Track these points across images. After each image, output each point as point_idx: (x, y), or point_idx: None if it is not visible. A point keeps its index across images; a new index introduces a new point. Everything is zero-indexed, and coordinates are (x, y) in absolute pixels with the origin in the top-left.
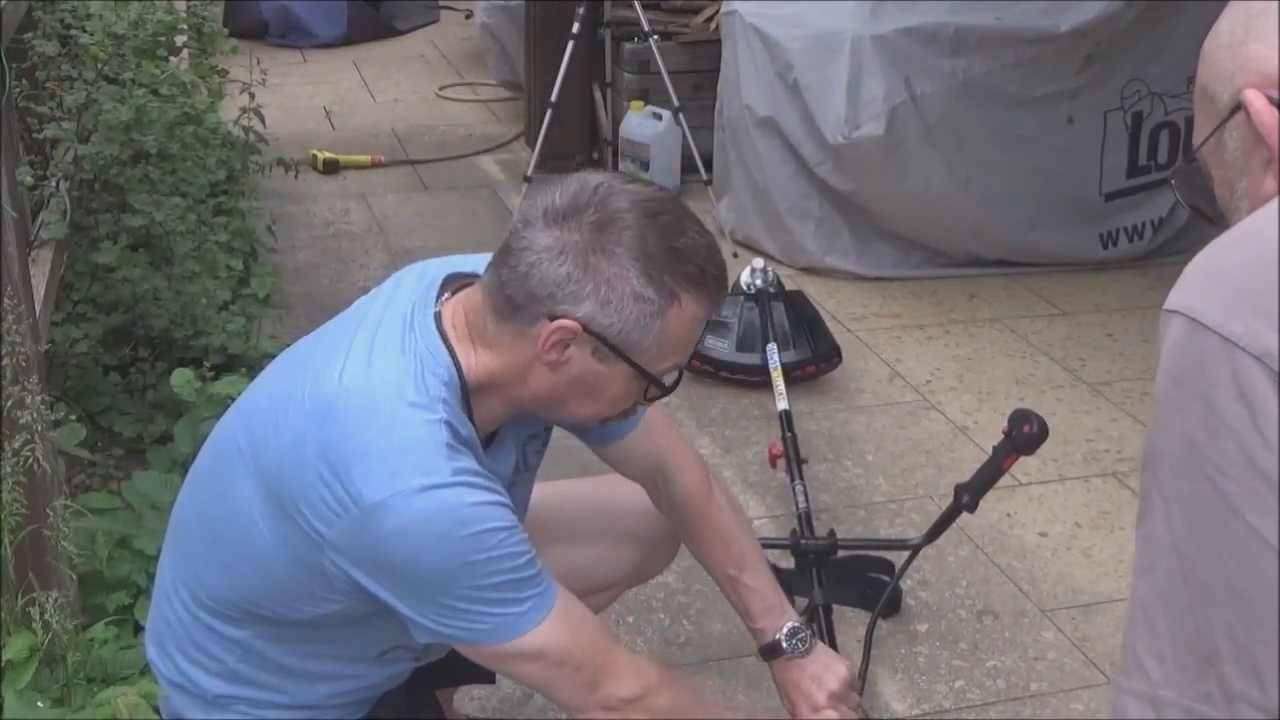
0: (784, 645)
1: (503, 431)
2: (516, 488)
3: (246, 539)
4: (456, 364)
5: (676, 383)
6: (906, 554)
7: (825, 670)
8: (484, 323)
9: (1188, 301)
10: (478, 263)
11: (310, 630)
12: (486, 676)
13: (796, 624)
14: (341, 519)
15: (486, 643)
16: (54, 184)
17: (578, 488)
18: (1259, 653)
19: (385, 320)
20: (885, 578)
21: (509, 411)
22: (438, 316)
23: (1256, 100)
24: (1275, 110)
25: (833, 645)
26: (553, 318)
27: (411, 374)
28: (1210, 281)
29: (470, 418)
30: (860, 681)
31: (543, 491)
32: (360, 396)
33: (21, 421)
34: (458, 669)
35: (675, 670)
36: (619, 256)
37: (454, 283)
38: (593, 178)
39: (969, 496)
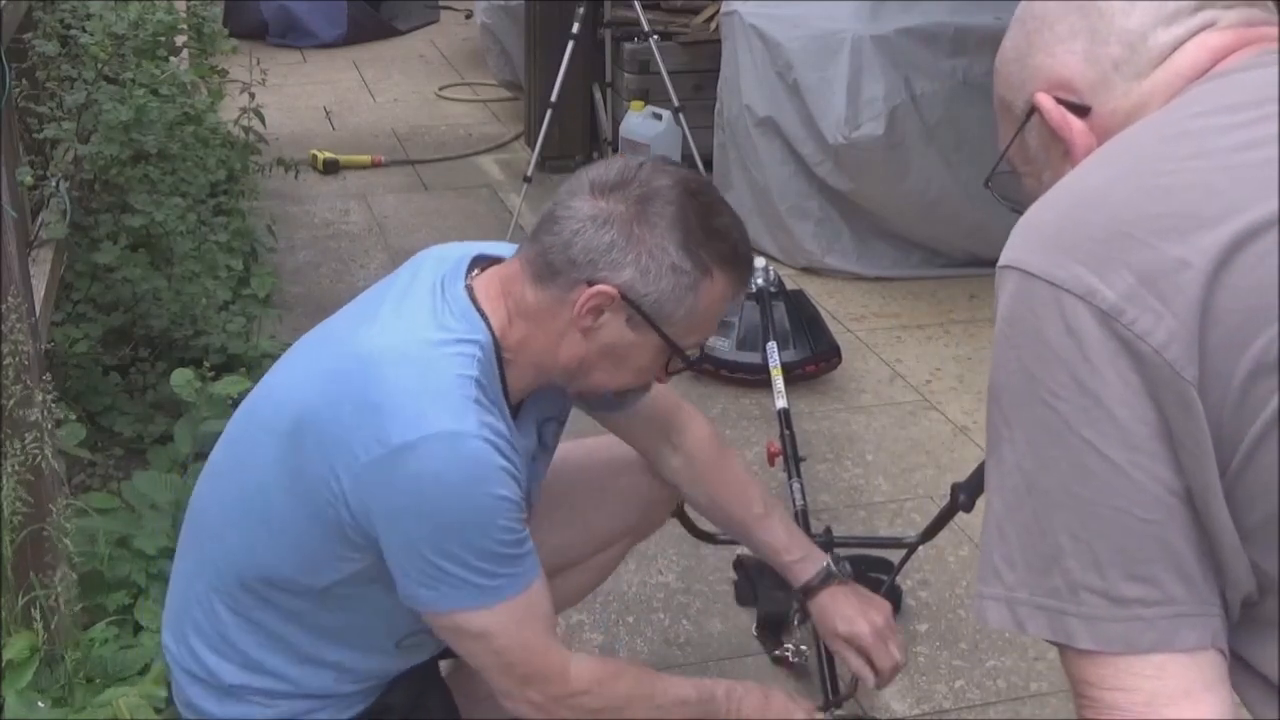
0: (834, 569)
1: (523, 410)
2: (535, 467)
3: (267, 504)
4: (490, 331)
5: (700, 358)
6: (903, 553)
7: (869, 603)
8: (521, 290)
9: (1017, 257)
10: (501, 249)
11: (331, 609)
12: None
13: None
14: (364, 459)
15: (447, 608)
16: (54, 184)
17: (572, 450)
18: (1098, 546)
19: (412, 291)
20: (884, 577)
21: (537, 381)
22: (469, 289)
23: (1046, 101)
24: (1062, 108)
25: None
26: (592, 283)
27: (442, 333)
28: (1034, 238)
29: (503, 384)
30: (855, 683)
31: None
32: (391, 350)
33: (31, 419)
34: None
35: (628, 666)
36: (660, 229)
37: (483, 262)
38: (636, 159)
39: (965, 496)
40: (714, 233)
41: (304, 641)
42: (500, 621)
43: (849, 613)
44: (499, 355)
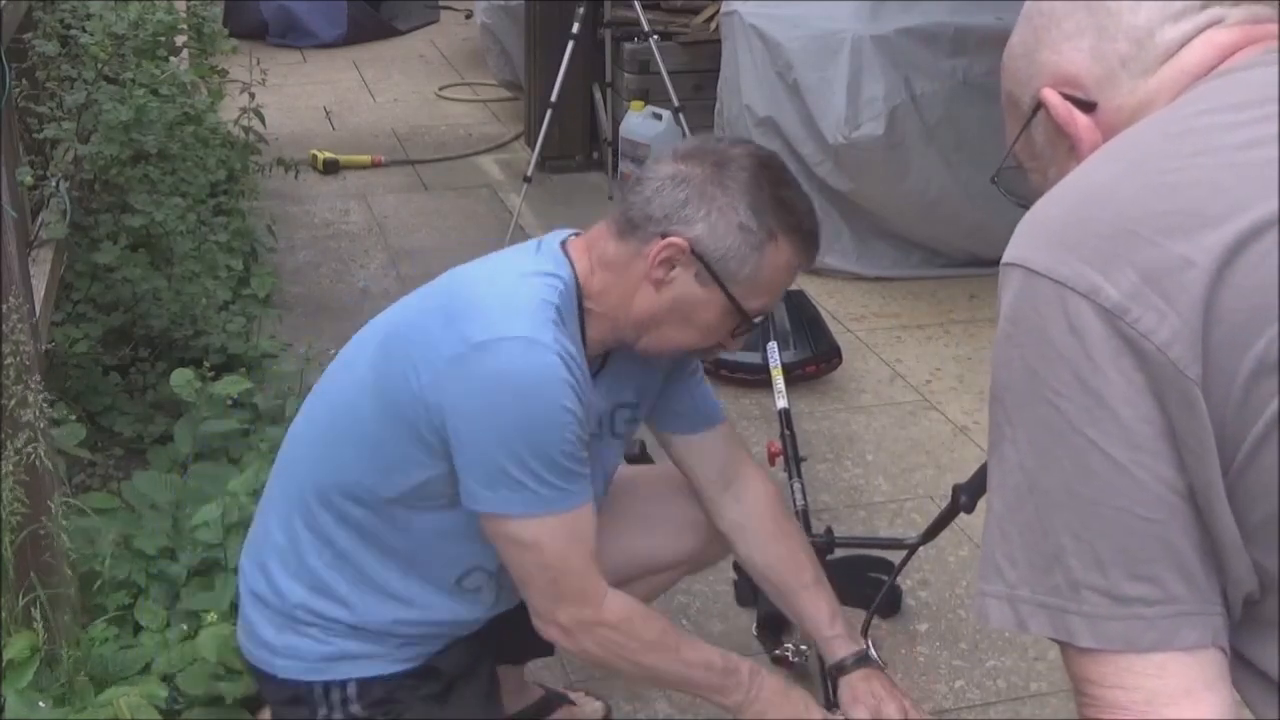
0: (871, 654)
1: (599, 381)
2: (599, 447)
3: (352, 413)
4: (574, 273)
5: (758, 323)
6: (903, 554)
7: (900, 691)
8: (604, 244)
9: (1021, 254)
10: None
11: (398, 527)
12: (546, 649)
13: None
14: (445, 354)
15: (504, 511)
16: (54, 184)
17: (643, 472)
18: (1100, 545)
19: (510, 249)
20: (885, 577)
21: (613, 334)
22: (562, 244)
23: (1052, 97)
24: (1069, 104)
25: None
26: (665, 236)
27: (531, 267)
28: (1039, 235)
29: (581, 331)
30: None
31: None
32: (481, 275)
33: (25, 419)
34: (519, 643)
35: (661, 617)
36: (732, 191)
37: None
38: (717, 134)
39: (967, 497)
40: (782, 202)
41: (371, 564)
42: (550, 533)
43: (881, 693)
44: (580, 300)
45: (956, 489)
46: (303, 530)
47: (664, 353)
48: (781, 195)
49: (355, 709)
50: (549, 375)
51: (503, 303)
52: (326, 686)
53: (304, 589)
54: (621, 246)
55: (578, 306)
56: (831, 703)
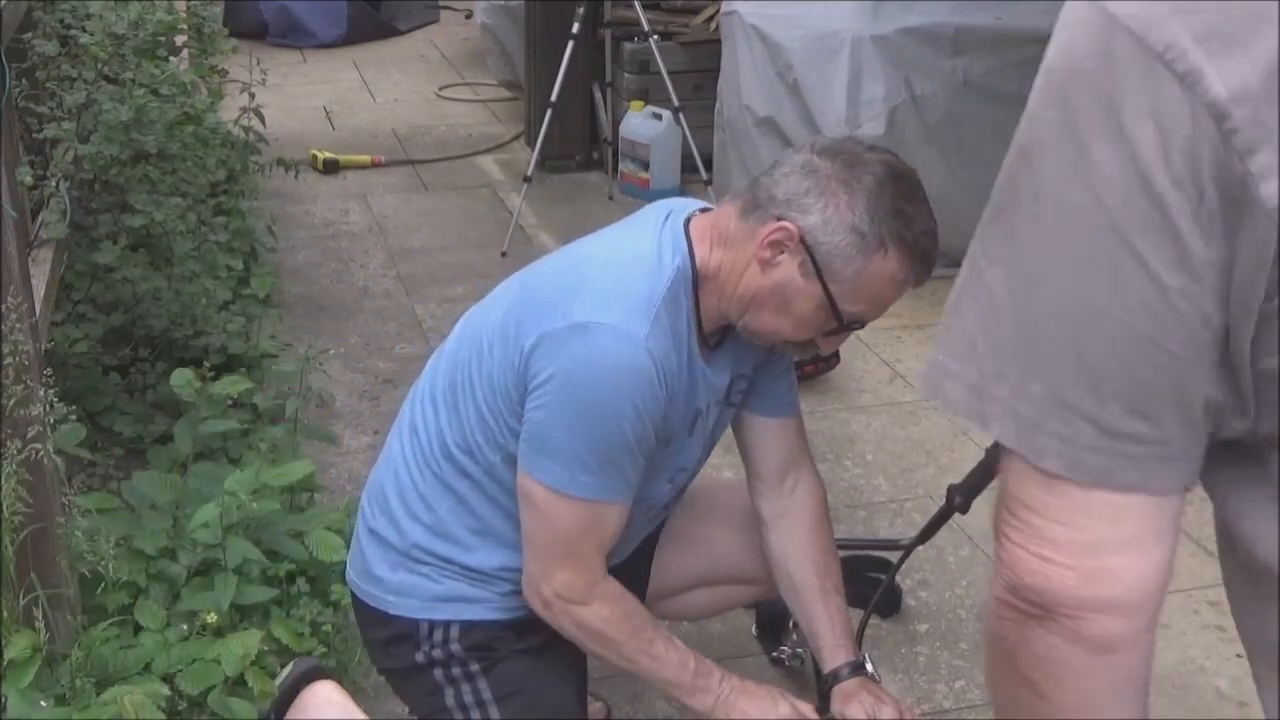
0: (867, 667)
1: (723, 353)
2: (712, 416)
3: (469, 372)
4: (692, 258)
5: (853, 328)
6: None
7: (892, 701)
8: (727, 222)
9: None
10: None
11: (502, 488)
12: None
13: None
14: (548, 328)
15: (537, 475)
16: (54, 184)
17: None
18: (1107, 369)
19: (639, 219)
20: (883, 577)
21: (719, 308)
22: (687, 222)
23: None
24: None
25: None
26: (781, 219)
27: (651, 249)
28: None
29: (696, 308)
30: None
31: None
32: (606, 250)
33: (35, 413)
34: None
35: (645, 620)
36: (855, 192)
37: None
38: (859, 139)
39: (961, 498)
40: (901, 214)
41: (487, 513)
42: (568, 513)
43: (870, 702)
44: (695, 281)
45: (951, 489)
46: (428, 476)
47: (760, 336)
48: (902, 208)
49: (455, 647)
50: (629, 368)
51: (610, 287)
52: (432, 625)
53: (424, 530)
54: (741, 224)
55: (692, 289)
56: (825, 708)
